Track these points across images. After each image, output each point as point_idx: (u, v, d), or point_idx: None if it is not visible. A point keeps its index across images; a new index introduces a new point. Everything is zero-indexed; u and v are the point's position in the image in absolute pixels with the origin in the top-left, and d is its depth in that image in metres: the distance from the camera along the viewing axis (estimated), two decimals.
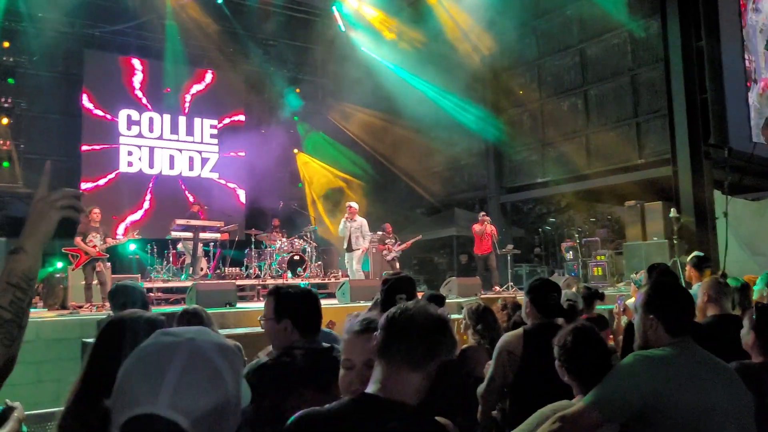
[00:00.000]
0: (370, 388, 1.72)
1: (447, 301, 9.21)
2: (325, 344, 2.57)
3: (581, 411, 2.30)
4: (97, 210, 10.30)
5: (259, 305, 10.50)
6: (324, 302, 4.19)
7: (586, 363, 2.52)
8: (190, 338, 1.11)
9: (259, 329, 7.60)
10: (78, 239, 9.74)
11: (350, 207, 12.33)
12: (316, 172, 18.98)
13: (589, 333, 2.64)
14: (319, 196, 18.41)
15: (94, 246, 9.74)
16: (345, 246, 12.18)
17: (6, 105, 15.22)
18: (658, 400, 2.22)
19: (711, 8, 12.77)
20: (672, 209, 12.26)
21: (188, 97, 17.35)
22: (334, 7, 17.75)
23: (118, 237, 10.54)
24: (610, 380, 2.33)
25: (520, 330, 3.63)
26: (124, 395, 1.06)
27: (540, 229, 17.86)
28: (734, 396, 2.30)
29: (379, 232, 13.84)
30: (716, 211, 12.16)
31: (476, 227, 13.27)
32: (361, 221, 12.24)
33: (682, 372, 2.28)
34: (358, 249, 12.14)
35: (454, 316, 5.38)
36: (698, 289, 4.30)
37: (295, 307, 2.53)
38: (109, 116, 16.22)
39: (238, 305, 9.76)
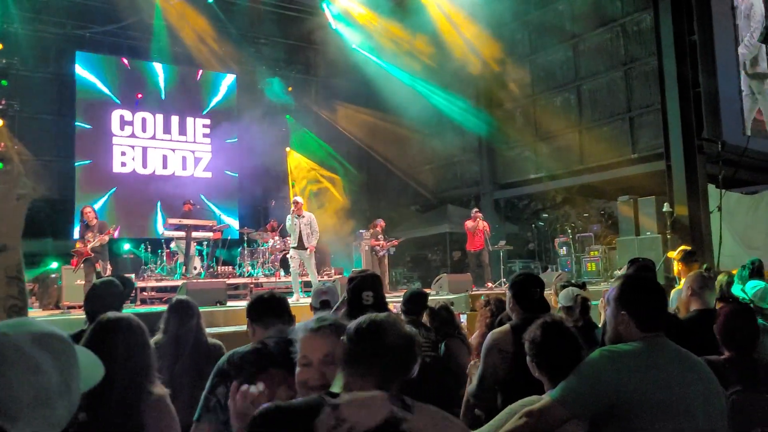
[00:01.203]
0: (336, 389, 1.73)
1: (437, 297, 9.22)
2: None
3: (547, 406, 2.27)
4: (88, 209, 10.19)
5: None
6: None
7: (556, 358, 2.47)
8: (2, 333, 1.11)
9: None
10: (78, 242, 9.77)
11: (296, 202, 11.14)
12: (306, 170, 18.96)
13: (559, 327, 2.60)
14: (309, 194, 18.33)
15: (88, 243, 9.70)
16: (295, 243, 10.99)
17: (0, 107, 15.23)
18: (623, 395, 2.19)
19: (704, 1, 12.73)
20: (665, 204, 12.23)
21: (180, 97, 17.33)
22: (324, 5, 17.70)
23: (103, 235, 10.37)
24: (576, 376, 2.30)
25: (507, 326, 3.53)
26: None
27: (533, 225, 17.83)
28: (704, 391, 2.26)
29: (363, 230, 13.82)
30: (710, 205, 12.13)
31: (468, 223, 13.26)
32: (309, 217, 11.13)
33: (648, 366, 2.24)
34: (309, 247, 11.00)
35: None
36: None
37: (253, 307, 2.80)
38: (101, 117, 16.19)
39: (230, 304, 9.75)
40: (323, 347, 1.94)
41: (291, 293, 10.61)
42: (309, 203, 16.93)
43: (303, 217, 10.90)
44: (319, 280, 10.82)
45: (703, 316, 3.83)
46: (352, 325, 1.82)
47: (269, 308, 2.76)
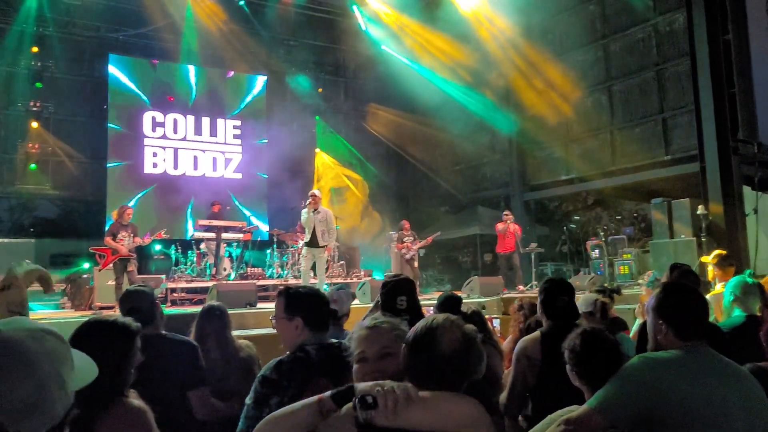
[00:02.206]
0: None
1: (468, 300, 9.14)
2: (332, 340, 2.64)
3: (585, 414, 2.25)
4: (130, 210, 10.23)
5: None
6: None
7: (597, 367, 2.44)
8: None
9: None
10: (108, 239, 9.75)
11: (313, 195, 10.38)
12: (333, 171, 18.99)
13: (599, 336, 2.56)
14: (337, 194, 18.34)
15: (123, 244, 9.69)
16: (308, 239, 10.19)
17: (35, 109, 15.52)
18: (662, 403, 2.16)
19: (738, 0, 12.49)
20: (700, 206, 12.00)
21: (211, 98, 17.48)
22: (354, 7, 17.72)
23: (145, 237, 10.40)
24: (614, 383, 2.27)
25: (537, 333, 3.57)
26: None
27: (565, 227, 17.62)
28: (746, 402, 2.21)
29: (393, 232, 13.70)
30: (746, 207, 11.89)
31: (499, 226, 13.14)
32: (326, 213, 10.40)
33: (689, 375, 2.20)
34: (324, 246, 10.31)
35: None
36: (723, 289, 4.20)
37: (305, 306, 2.59)
38: (133, 118, 16.39)
39: (260, 305, 9.73)
40: (379, 341, 2.01)
41: None
42: (331, 204, 17.00)
43: (318, 212, 10.21)
44: (335, 283, 10.70)
45: (748, 321, 3.77)
46: (411, 332, 1.89)
47: (328, 317, 2.68)
